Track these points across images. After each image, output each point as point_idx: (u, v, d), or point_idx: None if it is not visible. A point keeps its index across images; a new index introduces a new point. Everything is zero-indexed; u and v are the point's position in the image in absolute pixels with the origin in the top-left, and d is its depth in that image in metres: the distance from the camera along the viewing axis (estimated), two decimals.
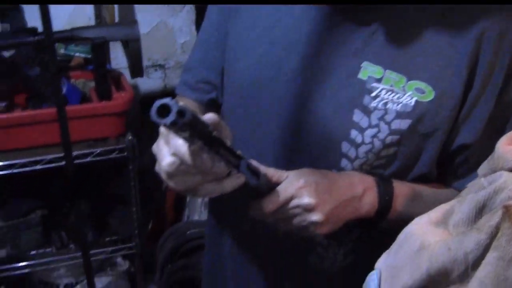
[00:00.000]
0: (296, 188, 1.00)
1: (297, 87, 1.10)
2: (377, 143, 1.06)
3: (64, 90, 2.10)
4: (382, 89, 1.04)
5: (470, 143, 1.08)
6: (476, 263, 0.64)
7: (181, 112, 0.76)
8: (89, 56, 2.32)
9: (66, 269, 2.52)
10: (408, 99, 1.03)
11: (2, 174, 2.04)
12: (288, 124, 1.12)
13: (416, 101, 1.03)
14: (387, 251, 0.77)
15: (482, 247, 0.65)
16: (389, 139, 1.05)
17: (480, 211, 0.70)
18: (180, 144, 0.87)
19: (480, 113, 1.06)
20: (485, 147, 1.03)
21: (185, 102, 1.29)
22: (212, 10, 1.28)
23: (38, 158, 2.04)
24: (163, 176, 0.94)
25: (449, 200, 0.73)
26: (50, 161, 2.04)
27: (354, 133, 1.06)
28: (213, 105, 1.32)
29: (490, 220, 0.67)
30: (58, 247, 2.35)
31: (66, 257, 2.37)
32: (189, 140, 0.82)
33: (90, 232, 2.33)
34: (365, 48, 1.05)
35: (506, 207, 0.67)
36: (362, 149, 1.07)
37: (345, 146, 1.08)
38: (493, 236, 0.67)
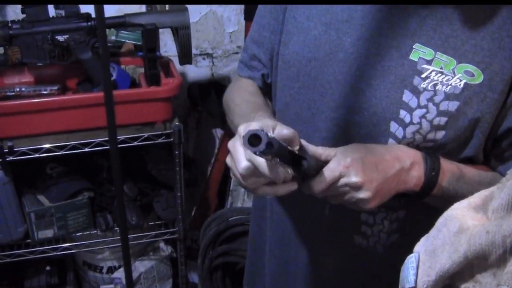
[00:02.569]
0: (343, 167, 1.03)
1: (350, 66, 1.12)
2: (425, 124, 1.08)
3: (114, 75, 2.15)
4: (432, 71, 1.06)
5: None
6: None
7: (270, 144, 0.86)
8: (139, 43, 2.36)
9: (110, 251, 2.58)
10: (457, 81, 1.05)
11: (52, 156, 2.09)
12: (340, 103, 1.15)
13: (465, 84, 1.04)
14: (426, 235, 0.78)
15: None
16: (437, 120, 1.07)
17: None
18: (260, 160, 0.94)
19: None
20: None
21: (244, 84, 1.39)
22: None
23: (87, 140, 2.09)
24: (238, 175, 1.01)
25: (493, 183, 0.74)
26: (99, 144, 2.09)
27: (403, 113, 1.09)
28: (264, 82, 1.38)
29: None
30: (103, 229, 2.39)
31: (110, 240, 2.42)
32: (270, 159, 0.91)
33: (134, 215, 2.37)
34: (417, 30, 1.07)
35: None
36: (410, 129, 1.09)
37: (393, 126, 1.11)
38: None
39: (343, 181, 1.03)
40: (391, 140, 1.12)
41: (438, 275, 0.71)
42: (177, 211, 2.40)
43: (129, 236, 2.40)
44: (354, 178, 1.02)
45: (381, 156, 1.07)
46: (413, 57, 1.07)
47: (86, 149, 2.09)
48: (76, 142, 2.08)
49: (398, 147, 1.11)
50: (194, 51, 2.67)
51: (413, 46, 1.07)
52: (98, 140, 2.09)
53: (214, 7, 2.71)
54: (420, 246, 0.77)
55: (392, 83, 1.09)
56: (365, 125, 1.14)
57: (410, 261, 0.77)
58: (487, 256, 0.65)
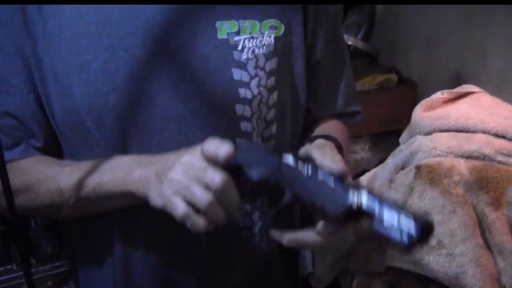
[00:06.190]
0: None
1: (169, 77, 1.04)
2: (263, 91, 1.09)
3: None
4: (244, 40, 1.06)
5: (320, 59, 1.20)
6: None
7: None
8: None
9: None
10: (268, 39, 1.08)
11: None
12: (180, 104, 1.05)
13: (274, 38, 1.09)
14: None
15: None
16: (269, 82, 1.10)
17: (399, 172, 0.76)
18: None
19: (320, 34, 1.18)
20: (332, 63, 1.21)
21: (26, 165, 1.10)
22: None
23: None
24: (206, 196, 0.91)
25: None
26: None
27: (242, 91, 1.07)
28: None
29: (405, 180, 0.73)
30: (18, 263, 2.33)
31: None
32: None
33: (50, 244, 2.32)
34: (212, 9, 1.05)
35: (418, 167, 0.73)
36: (255, 103, 1.09)
37: (239, 108, 1.08)
38: (407, 194, 0.72)
39: None
40: (242, 124, 1.09)
41: None
42: None
43: (46, 266, 2.34)
44: None
45: None
46: (221, 35, 1.05)
47: None
48: None
49: None
50: None
51: (215, 26, 1.04)
52: None
53: None
54: None
55: (217, 68, 1.05)
56: (214, 122, 1.07)
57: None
58: None
